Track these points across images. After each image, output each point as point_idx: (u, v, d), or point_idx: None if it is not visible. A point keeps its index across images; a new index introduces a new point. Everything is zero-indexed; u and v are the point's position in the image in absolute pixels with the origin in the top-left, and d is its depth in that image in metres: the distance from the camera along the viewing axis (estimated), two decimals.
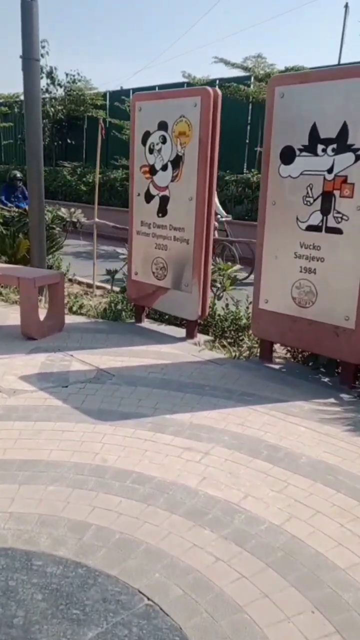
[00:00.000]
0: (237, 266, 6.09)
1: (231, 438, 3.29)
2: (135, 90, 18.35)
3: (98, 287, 7.52)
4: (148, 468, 2.92)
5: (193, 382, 4.07)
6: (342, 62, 14.39)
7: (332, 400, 3.91)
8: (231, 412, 3.62)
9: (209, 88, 4.81)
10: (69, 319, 5.69)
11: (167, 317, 5.79)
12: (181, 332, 5.41)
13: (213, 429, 3.38)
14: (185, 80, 15.27)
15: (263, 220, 4.49)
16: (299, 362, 4.73)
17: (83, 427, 3.31)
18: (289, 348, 4.83)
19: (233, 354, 4.79)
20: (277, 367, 4.56)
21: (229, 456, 3.09)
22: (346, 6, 15.17)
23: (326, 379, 4.34)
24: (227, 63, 13.97)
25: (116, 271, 6.48)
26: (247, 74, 14.05)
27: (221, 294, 5.89)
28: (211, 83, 14.65)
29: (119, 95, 18.33)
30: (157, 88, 17.62)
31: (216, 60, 14.18)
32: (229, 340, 5.43)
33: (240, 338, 5.47)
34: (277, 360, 4.72)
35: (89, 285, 7.65)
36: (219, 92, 4.85)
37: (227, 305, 5.73)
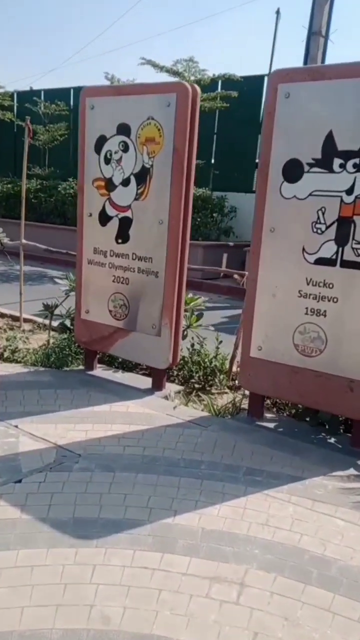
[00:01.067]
0: (201, 298, 5.25)
1: (263, 551, 2.37)
2: (49, 91, 17.13)
3: (26, 321, 6.35)
4: (172, 629, 1.93)
5: (184, 459, 3.12)
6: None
7: (353, 471, 3.11)
8: (246, 503, 2.71)
9: (186, 83, 3.95)
10: (0, 367, 4.54)
11: (119, 360, 4.80)
12: (145, 381, 4.43)
13: (235, 537, 2.45)
14: (108, 82, 14.32)
15: (257, 251, 3.67)
16: (291, 416, 3.94)
17: (59, 557, 2.24)
18: (276, 399, 4.04)
19: (214, 409, 3.91)
20: (271, 425, 3.72)
21: (273, 585, 2.18)
22: (277, 12, 14.94)
23: (332, 440, 3.56)
24: (155, 65, 13.09)
25: (56, 306, 5.39)
26: (177, 79, 13.36)
27: (185, 332, 5.00)
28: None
29: (30, 96, 16.92)
30: (72, 91, 16.56)
31: (143, 62, 13.27)
32: (197, 385, 4.55)
33: (210, 383, 4.61)
34: (268, 415, 3.89)
35: (15, 318, 6.46)
36: (198, 89, 4.00)
37: (192, 345, 4.86)
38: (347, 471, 3.13)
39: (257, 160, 12.85)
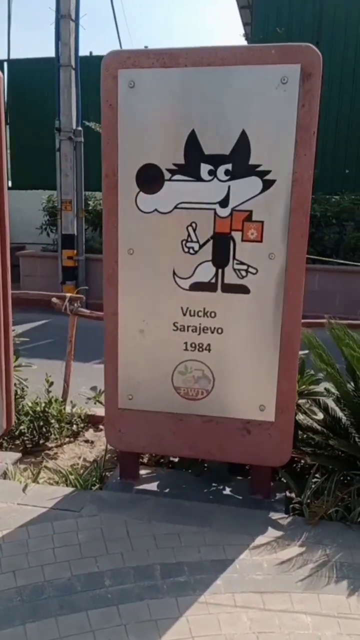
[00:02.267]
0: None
1: None
2: None
3: None
4: None
5: (76, 576, 2.21)
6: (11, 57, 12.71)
7: (273, 532, 2.59)
8: (190, 628, 1.99)
9: None
10: None
11: None
12: None
13: None
14: None
15: (114, 278, 2.89)
16: (165, 465, 3.30)
17: None
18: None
19: (79, 481, 3.02)
20: (153, 487, 2.98)
21: None
22: None
23: (226, 489, 3.01)
24: None
25: None
26: None
27: None
28: None
29: None
30: None
31: None
32: (28, 445, 3.60)
33: (46, 436, 3.70)
34: (141, 472, 3.17)
35: None
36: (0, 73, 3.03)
37: (15, 393, 3.83)
38: (267, 534, 2.57)
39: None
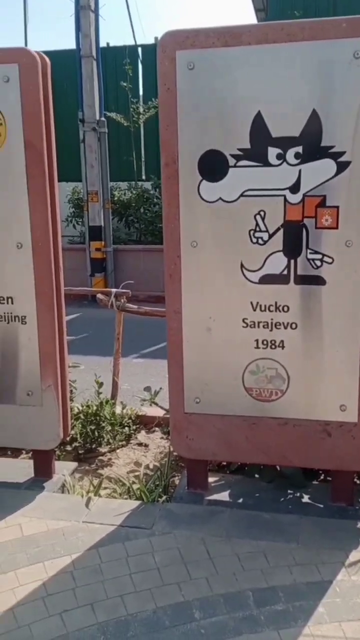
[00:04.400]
0: None
1: None
2: None
3: None
4: None
5: (161, 608, 1.93)
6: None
7: None
8: None
9: (30, 50, 2.63)
10: None
11: None
12: (18, 467, 3.03)
13: None
14: None
15: (177, 274, 2.59)
16: (226, 469, 3.01)
17: None
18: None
19: (145, 494, 2.75)
20: (225, 497, 2.67)
21: None
22: None
23: (305, 498, 2.70)
24: None
25: None
26: None
27: None
28: None
29: None
30: None
31: None
32: (80, 451, 3.35)
33: (99, 441, 3.44)
34: (210, 480, 2.88)
35: None
36: (48, 59, 2.71)
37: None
38: None
39: None
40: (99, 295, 3.99)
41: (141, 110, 10.32)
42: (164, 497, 2.74)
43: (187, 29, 2.46)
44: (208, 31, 2.43)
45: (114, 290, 3.97)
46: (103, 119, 8.87)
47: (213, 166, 2.47)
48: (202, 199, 2.51)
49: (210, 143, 2.46)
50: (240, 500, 2.68)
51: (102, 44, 9.43)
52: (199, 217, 2.52)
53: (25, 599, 2.01)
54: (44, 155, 2.62)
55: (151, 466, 3.21)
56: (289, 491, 2.73)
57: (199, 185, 2.50)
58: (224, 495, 2.71)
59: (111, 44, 11.44)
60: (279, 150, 2.41)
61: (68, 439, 3.39)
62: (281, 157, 2.42)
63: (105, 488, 2.92)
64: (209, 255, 2.55)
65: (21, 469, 3.03)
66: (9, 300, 2.77)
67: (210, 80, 2.42)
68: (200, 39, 2.42)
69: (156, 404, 3.63)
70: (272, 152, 2.42)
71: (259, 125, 2.41)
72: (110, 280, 9.56)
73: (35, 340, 2.77)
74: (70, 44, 8.91)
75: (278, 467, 2.83)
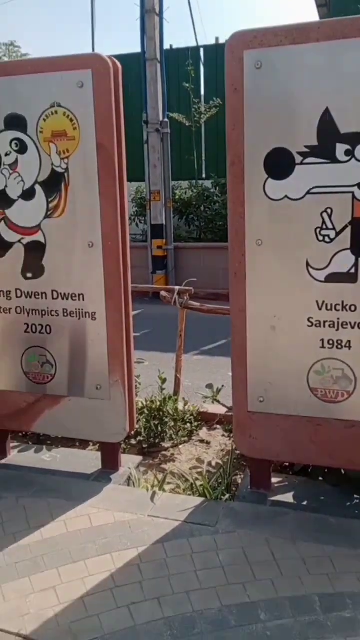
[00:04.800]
0: None
1: None
2: None
3: None
4: None
5: (226, 607, 1.90)
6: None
7: None
8: None
9: (103, 55, 2.66)
10: None
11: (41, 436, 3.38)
12: (87, 459, 3.10)
13: None
14: None
15: (242, 271, 2.56)
16: (288, 470, 2.94)
17: None
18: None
19: (208, 491, 2.74)
20: (289, 498, 2.61)
21: None
22: None
23: None
24: None
25: None
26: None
27: None
28: None
29: None
30: None
31: None
32: (144, 445, 3.37)
33: (162, 436, 3.45)
34: (273, 480, 2.82)
35: None
36: (119, 64, 2.74)
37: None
38: None
39: None
40: (163, 293, 4.00)
41: (202, 109, 10.29)
42: (227, 496, 2.71)
43: (255, 29, 2.41)
44: (276, 30, 2.37)
45: (177, 287, 3.97)
46: (166, 120, 8.90)
47: (279, 164, 2.41)
48: (268, 197, 2.45)
49: (277, 141, 2.40)
50: (305, 503, 2.61)
51: (165, 46, 9.47)
52: (264, 216, 2.47)
53: (94, 589, 2.04)
54: (114, 157, 2.65)
55: (213, 463, 3.20)
56: (355, 496, 2.64)
57: (264, 184, 2.44)
58: (288, 497, 2.65)
59: (172, 45, 11.48)
60: (347, 147, 2.32)
61: (132, 433, 3.44)
62: (349, 153, 2.32)
63: (168, 483, 2.92)
64: (274, 254, 2.49)
65: (89, 460, 3.09)
66: (80, 297, 2.82)
67: (277, 79, 2.36)
68: (268, 37, 2.37)
69: (218, 401, 3.60)
70: (340, 149, 2.33)
71: (327, 122, 2.33)
72: (171, 278, 9.61)
73: (104, 335, 2.81)
74: (133, 48, 9.01)
75: (343, 471, 2.74)
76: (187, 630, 1.84)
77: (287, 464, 2.95)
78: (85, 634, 1.84)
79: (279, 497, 2.64)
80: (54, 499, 2.67)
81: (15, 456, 3.20)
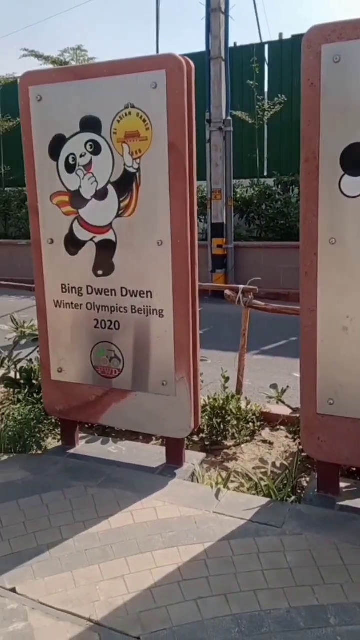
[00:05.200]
0: None
1: None
2: None
3: None
4: None
5: (295, 609, 1.88)
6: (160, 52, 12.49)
7: None
8: None
9: (177, 55, 2.69)
10: None
11: (107, 428, 3.45)
12: (152, 453, 3.15)
13: None
14: None
15: (313, 270, 2.52)
16: (356, 475, 2.87)
17: None
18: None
19: (274, 491, 2.71)
20: (357, 502, 2.54)
21: None
22: None
23: None
24: (39, 57, 11.36)
25: (3, 360, 3.91)
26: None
27: None
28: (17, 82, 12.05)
29: None
30: None
31: (26, 54, 11.48)
32: (206, 443, 3.36)
33: (224, 434, 3.44)
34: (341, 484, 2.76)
35: None
36: (192, 63, 2.76)
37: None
38: None
39: None
40: (227, 292, 3.99)
41: (266, 107, 10.18)
42: (293, 498, 2.68)
43: (334, 22, 2.36)
44: (355, 22, 2.32)
45: (241, 286, 3.95)
46: (229, 118, 8.87)
47: (357, 160, 2.36)
48: (343, 194, 2.40)
49: (355, 136, 2.35)
50: None
51: (230, 44, 9.43)
52: (339, 213, 2.42)
53: (162, 580, 2.07)
54: (185, 156, 2.67)
55: (278, 464, 3.16)
56: None
57: (340, 180, 2.39)
58: (357, 502, 2.58)
59: (236, 43, 11.40)
60: None
61: (196, 430, 3.45)
62: None
63: (232, 481, 2.92)
64: (348, 253, 2.43)
65: (153, 454, 3.13)
66: (148, 294, 2.87)
67: (356, 72, 2.31)
68: (347, 30, 2.32)
69: (283, 402, 3.56)
70: None
71: None
72: (231, 277, 9.57)
73: (171, 333, 2.84)
74: (193, 48, 9.03)
75: None
76: (255, 628, 1.83)
77: (355, 469, 2.88)
78: (154, 624, 1.88)
79: (348, 502, 2.58)
80: (120, 490, 2.73)
81: (83, 447, 3.29)
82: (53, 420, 3.51)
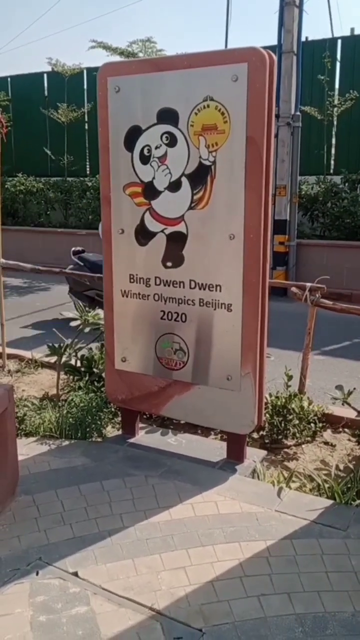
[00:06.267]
0: None
1: None
2: None
3: (10, 357, 4.89)
4: None
5: (358, 612, 1.84)
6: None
7: None
8: None
9: (260, 48, 2.67)
10: None
11: (167, 419, 3.49)
12: (212, 447, 3.16)
13: None
14: (50, 69, 12.60)
15: None
16: None
17: None
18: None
19: (339, 494, 2.66)
20: None
21: None
22: None
23: None
24: (108, 48, 11.45)
25: (66, 346, 4.02)
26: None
27: None
28: (83, 72, 12.27)
29: None
30: (9, 79, 14.47)
31: (94, 45, 11.61)
32: (266, 441, 3.33)
33: (285, 433, 3.39)
34: None
35: None
36: (275, 56, 2.73)
37: None
38: None
39: None
40: (293, 289, 3.93)
41: (336, 102, 9.93)
42: (358, 501, 2.62)
43: None
44: None
45: (308, 284, 3.88)
46: (298, 113, 8.71)
47: None
48: None
49: None
50: None
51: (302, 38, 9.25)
52: None
53: (224, 575, 2.08)
54: (263, 150, 2.65)
55: (341, 467, 3.09)
56: None
57: None
58: None
59: (307, 37, 11.16)
60: None
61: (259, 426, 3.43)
62: None
63: (293, 481, 2.88)
64: None
65: (214, 448, 3.14)
66: (217, 287, 2.87)
67: None
68: None
69: (349, 404, 3.48)
70: None
71: None
72: (291, 274, 9.41)
73: (238, 327, 2.83)
74: (263, 41, 8.88)
75: None
76: (319, 629, 1.80)
77: None
78: (216, 617, 1.88)
79: None
80: (180, 482, 2.75)
81: (143, 436, 3.34)
82: (112, 409, 3.58)
